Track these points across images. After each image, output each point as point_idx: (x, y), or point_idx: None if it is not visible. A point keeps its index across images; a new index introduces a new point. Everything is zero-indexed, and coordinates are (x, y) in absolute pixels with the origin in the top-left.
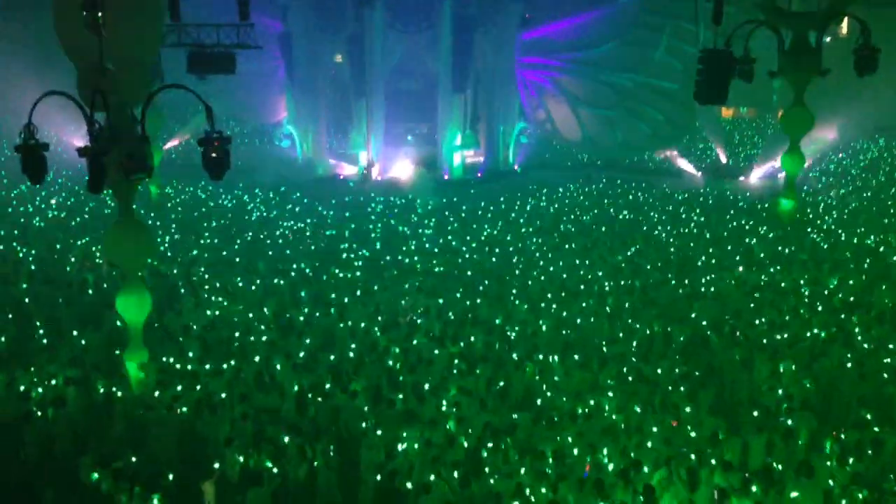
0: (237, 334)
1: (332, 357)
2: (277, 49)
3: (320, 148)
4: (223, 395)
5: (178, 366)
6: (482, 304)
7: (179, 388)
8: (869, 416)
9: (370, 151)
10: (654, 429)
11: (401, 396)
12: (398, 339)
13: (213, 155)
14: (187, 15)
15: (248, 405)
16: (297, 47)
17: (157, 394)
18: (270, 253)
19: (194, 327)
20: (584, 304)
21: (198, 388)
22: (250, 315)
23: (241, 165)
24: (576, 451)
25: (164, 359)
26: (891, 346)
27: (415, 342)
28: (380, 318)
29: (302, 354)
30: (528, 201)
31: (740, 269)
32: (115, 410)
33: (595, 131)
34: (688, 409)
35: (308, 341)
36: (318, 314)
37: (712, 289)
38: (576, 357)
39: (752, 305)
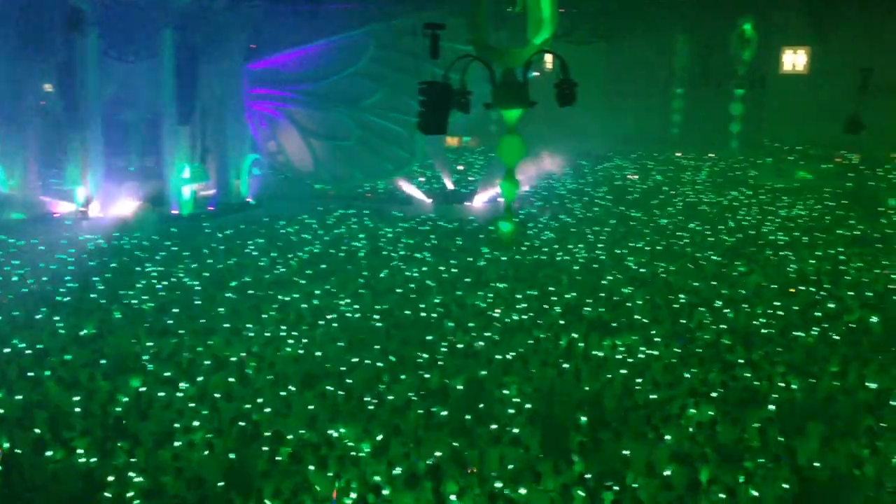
0: None
1: None
2: None
3: (30, 184)
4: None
5: None
6: (216, 339)
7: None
8: (584, 419)
9: (87, 187)
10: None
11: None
12: None
13: None
14: None
15: None
16: None
17: None
18: None
19: None
20: (322, 334)
21: None
22: None
23: None
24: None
25: None
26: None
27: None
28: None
29: None
30: (261, 233)
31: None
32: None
33: (328, 161)
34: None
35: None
36: None
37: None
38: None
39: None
